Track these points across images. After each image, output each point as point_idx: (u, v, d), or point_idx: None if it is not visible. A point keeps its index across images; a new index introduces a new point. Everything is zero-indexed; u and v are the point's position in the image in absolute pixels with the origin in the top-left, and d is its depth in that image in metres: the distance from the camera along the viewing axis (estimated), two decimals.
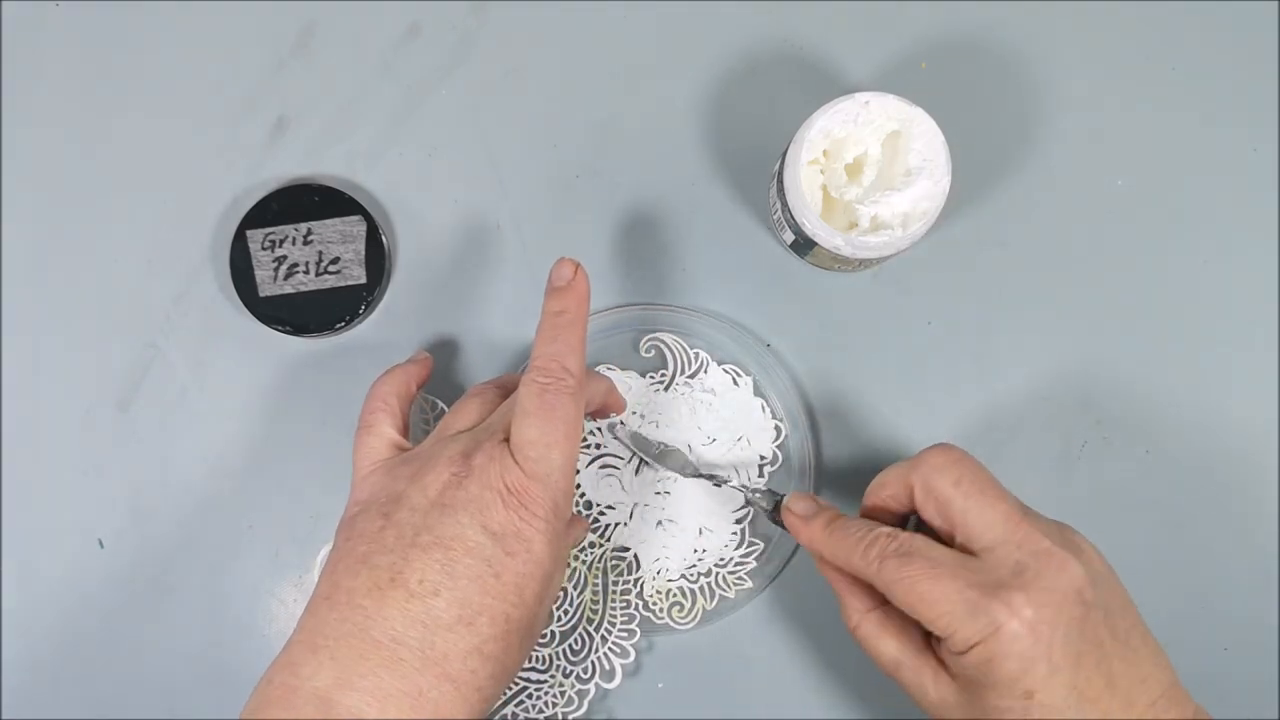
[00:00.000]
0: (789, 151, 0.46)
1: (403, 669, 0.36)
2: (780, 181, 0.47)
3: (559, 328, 0.41)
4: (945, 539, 0.40)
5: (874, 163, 0.47)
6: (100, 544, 0.51)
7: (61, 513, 0.51)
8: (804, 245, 0.47)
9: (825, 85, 0.51)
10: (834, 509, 0.44)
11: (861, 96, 0.45)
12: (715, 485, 0.49)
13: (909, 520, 0.43)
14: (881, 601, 0.41)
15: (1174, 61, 0.52)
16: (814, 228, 0.45)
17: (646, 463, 0.50)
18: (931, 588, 0.37)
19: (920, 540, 0.39)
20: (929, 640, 0.40)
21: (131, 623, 0.50)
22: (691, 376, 0.50)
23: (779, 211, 0.48)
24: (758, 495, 0.47)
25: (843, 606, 0.43)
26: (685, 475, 0.49)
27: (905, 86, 0.48)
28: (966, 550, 0.39)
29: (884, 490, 0.42)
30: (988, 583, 0.37)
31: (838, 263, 0.48)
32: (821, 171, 0.47)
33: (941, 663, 0.39)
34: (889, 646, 0.41)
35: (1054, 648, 0.36)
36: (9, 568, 0.50)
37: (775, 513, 0.46)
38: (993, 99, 0.52)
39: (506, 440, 0.40)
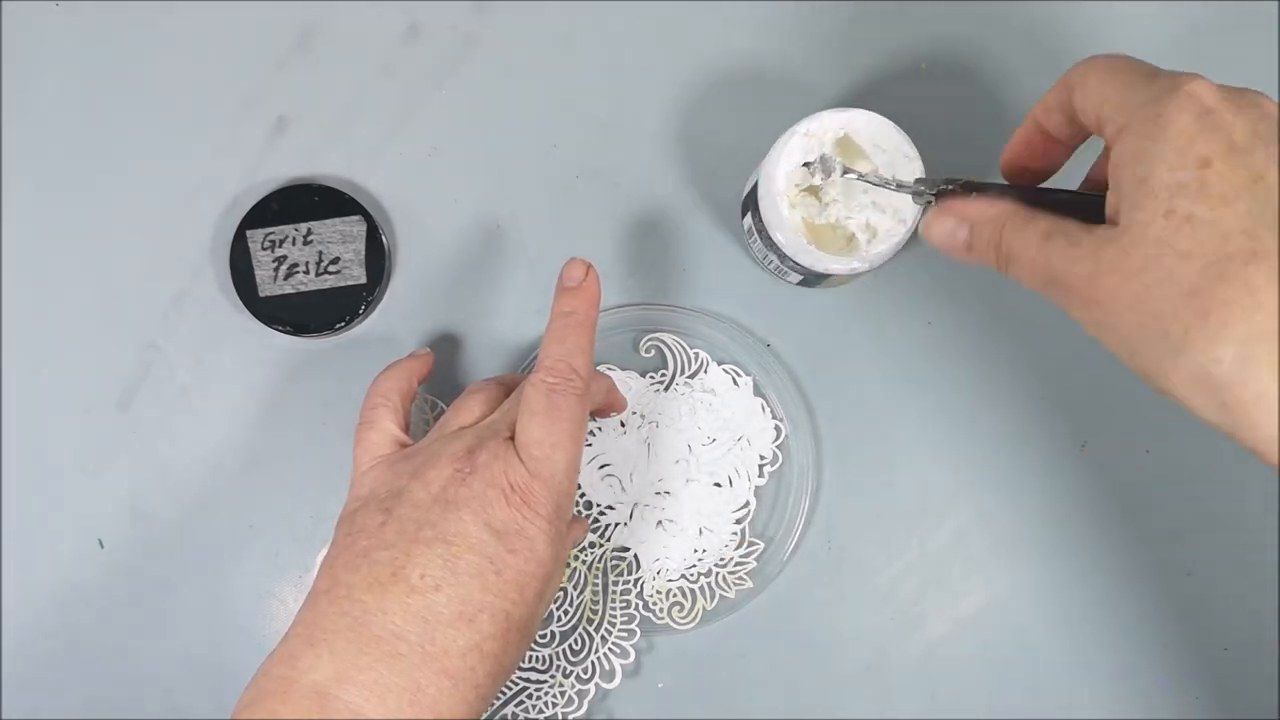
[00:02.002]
0: (765, 214, 0.44)
1: (402, 664, 0.36)
2: (767, 239, 0.46)
3: (568, 329, 0.41)
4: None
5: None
6: (100, 544, 0.50)
7: (61, 513, 0.51)
8: (815, 279, 0.47)
9: (825, 85, 0.51)
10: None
11: (799, 128, 0.44)
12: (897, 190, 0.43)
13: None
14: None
15: (1174, 62, 0.51)
16: (827, 265, 0.44)
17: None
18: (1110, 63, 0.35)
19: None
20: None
21: (131, 623, 0.50)
22: (691, 376, 0.50)
23: (775, 262, 0.47)
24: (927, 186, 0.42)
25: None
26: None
27: (905, 87, 0.48)
28: None
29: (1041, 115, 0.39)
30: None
31: (852, 278, 0.47)
32: (793, 206, 0.46)
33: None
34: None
35: (1236, 129, 0.31)
36: (9, 567, 0.50)
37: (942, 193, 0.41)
38: (993, 99, 0.52)
39: (510, 438, 0.40)
